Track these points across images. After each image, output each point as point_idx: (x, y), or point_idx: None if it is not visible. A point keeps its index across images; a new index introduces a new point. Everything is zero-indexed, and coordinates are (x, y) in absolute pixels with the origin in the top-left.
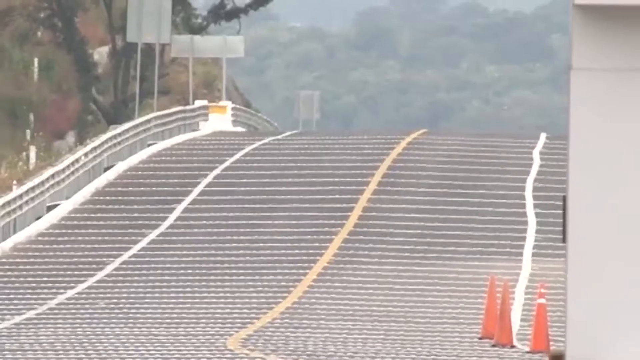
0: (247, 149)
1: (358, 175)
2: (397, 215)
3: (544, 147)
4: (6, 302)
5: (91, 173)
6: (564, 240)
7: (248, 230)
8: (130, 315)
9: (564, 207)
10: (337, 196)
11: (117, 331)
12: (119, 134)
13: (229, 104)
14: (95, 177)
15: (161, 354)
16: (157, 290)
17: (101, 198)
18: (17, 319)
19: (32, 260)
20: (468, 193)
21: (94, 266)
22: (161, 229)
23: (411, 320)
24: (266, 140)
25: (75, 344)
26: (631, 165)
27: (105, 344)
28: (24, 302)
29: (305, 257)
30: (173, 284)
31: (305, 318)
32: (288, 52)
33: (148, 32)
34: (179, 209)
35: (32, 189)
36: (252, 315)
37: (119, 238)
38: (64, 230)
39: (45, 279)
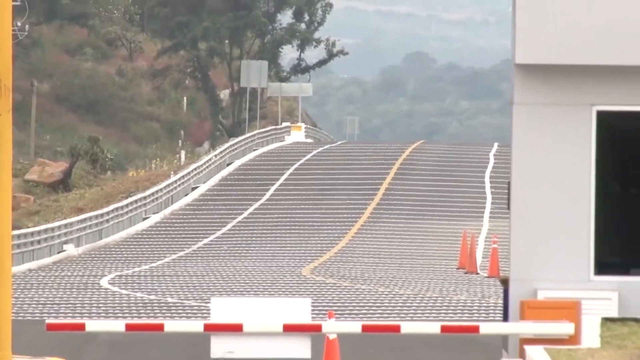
0: (314, 152)
1: (382, 168)
2: (407, 193)
3: (497, 151)
4: (166, 246)
5: (219, 167)
6: (508, 207)
7: (315, 201)
8: (243, 254)
9: (509, 188)
10: (369, 181)
11: (234, 264)
12: (236, 143)
13: (303, 125)
14: (222, 169)
15: (261, 278)
16: (258, 238)
17: (225, 182)
18: (173, 256)
19: (182, 220)
20: (449, 179)
21: (220, 224)
22: (261, 201)
23: (415, 257)
24: (326, 147)
25: (209, 272)
26: (551, 164)
27: (228, 273)
28: (176, 246)
29: (349, 218)
30: (269, 234)
31: (350, 255)
32: (339, 92)
33: (253, 81)
34: (272, 189)
35: (183, 177)
36: (318, 254)
37: (236, 206)
38: (202, 203)
39: (190, 232)
